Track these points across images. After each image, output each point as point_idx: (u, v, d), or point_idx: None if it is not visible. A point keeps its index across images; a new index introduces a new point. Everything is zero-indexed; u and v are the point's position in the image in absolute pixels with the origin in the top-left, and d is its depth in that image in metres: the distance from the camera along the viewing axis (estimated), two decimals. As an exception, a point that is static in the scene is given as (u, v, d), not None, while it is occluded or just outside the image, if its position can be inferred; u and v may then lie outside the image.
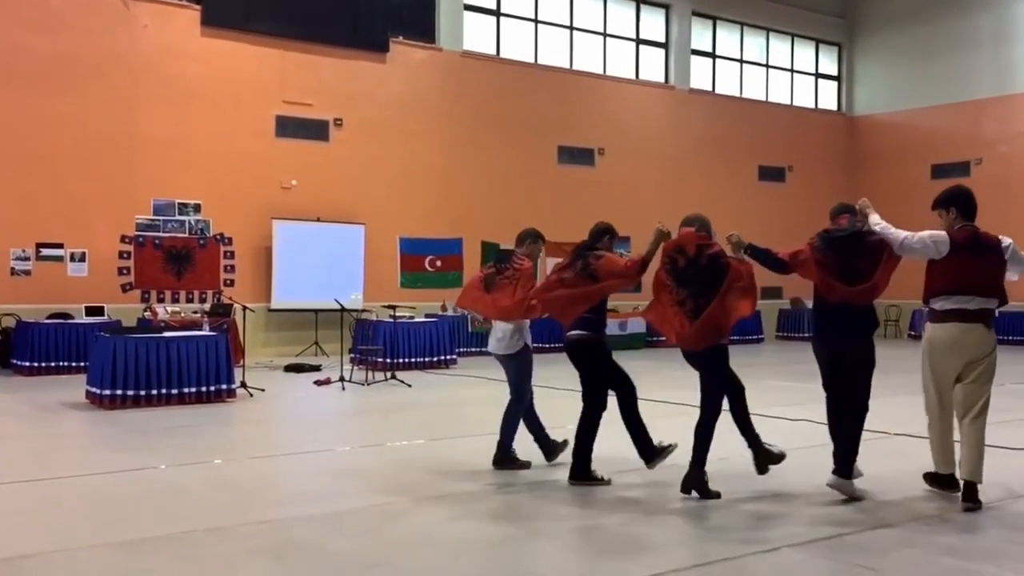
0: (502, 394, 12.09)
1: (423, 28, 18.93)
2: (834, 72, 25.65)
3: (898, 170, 23.82)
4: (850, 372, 6.25)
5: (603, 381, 6.78)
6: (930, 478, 6.39)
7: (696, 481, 6.20)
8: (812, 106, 25.10)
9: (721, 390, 6.40)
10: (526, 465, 7.14)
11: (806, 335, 22.73)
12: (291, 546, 5.17)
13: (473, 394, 12.26)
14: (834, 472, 6.17)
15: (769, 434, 8.97)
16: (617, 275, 6.45)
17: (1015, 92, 21.90)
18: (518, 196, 19.61)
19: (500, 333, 7.11)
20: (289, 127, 17.27)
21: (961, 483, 5.98)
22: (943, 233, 6.09)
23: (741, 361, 18.15)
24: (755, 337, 21.25)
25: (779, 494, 6.41)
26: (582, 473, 6.63)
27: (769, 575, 4.75)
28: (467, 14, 19.38)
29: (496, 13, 19.86)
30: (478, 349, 17.39)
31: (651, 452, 6.70)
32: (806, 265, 6.25)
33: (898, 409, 8.98)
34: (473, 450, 8.17)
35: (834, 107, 25.56)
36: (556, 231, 19.95)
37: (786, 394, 12.10)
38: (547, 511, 6.01)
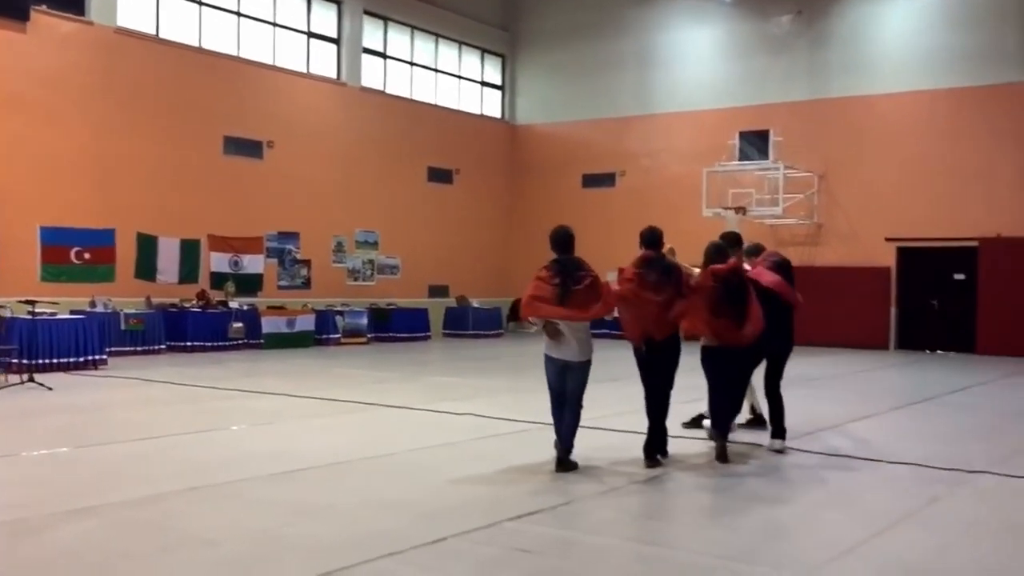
0: (159, 395, 11.39)
1: (71, -2, 17.25)
2: (498, 81, 26.89)
3: (554, 178, 25.48)
4: None
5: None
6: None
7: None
8: (478, 112, 26.14)
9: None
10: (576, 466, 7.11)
11: (470, 332, 23.62)
12: None
13: (125, 397, 11.36)
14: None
15: (439, 427, 9.22)
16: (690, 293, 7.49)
17: (655, 112, 24.24)
18: (180, 186, 18.52)
19: (577, 341, 7.03)
20: (-98, 95, 14.98)
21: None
22: None
23: (411, 359, 18.62)
24: (422, 334, 21.71)
25: (453, 482, 6.58)
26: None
27: (430, 565, 4.82)
28: (123, -13, 17.95)
29: (156, -10, 18.59)
30: (131, 348, 16.22)
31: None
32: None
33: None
34: (125, 456, 7.57)
35: (498, 115, 26.80)
36: (222, 224, 19.18)
37: (453, 389, 12.46)
38: (208, 519, 5.68)
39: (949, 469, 7.33)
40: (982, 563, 5.03)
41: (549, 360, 7.17)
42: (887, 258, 21.13)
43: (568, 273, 6.99)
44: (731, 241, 8.23)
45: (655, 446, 7.40)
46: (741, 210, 20.95)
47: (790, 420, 8.26)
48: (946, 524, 5.83)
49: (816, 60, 22.09)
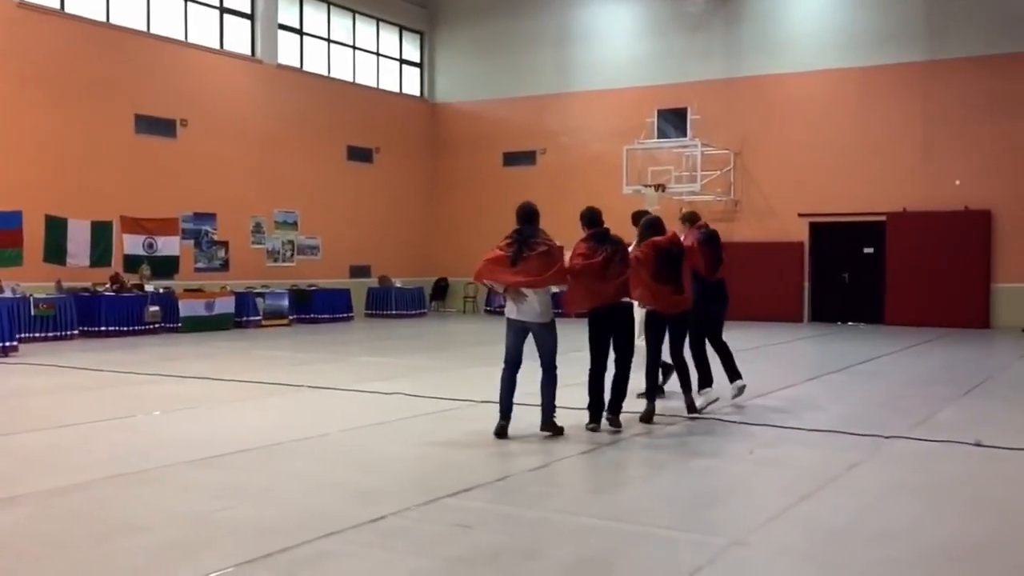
0: (75, 381, 11.06)
1: (-31, -31, 16.47)
2: (417, 59, 26.66)
3: (474, 156, 25.42)
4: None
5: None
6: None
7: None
8: (397, 90, 25.89)
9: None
10: (562, 431, 7.45)
11: (393, 312, 23.49)
12: None
13: (40, 383, 11.01)
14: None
15: (369, 407, 9.18)
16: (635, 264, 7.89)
17: (574, 90, 24.37)
18: (90, 166, 17.93)
19: (539, 304, 7.35)
20: None
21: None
22: None
23: (335, 339, 18.46)
24: (345, 315, 21.52)
25: (388, 461, 6.58)
26: (599, 416, 7.70)
27: (371, 543, 4.83)
28: (24, -41, 17.22)
29: (60, -38, 17.88)
30: (42, 334, 15.71)
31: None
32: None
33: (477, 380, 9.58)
34: (46, 444, 7.36)
35: (417, 93, 26.59)
36: (135, 206, 18.66)
37: (379, 369, 12.41)
38: (138, 505, 5.57)
39: (866, 435, 7.62)
40: (900, 524, 5.25)
41: (509, 322, 7.46)
42: (800, 233, 21.74)
43: (524, 241, 7.32)
44: (688, 218, 9.40)
45: (601, 413, 7.72)
46: (660, 187, 21.26)
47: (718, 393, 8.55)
48: (866, 488, 6.08)
49: (731, 39, 22.48)
